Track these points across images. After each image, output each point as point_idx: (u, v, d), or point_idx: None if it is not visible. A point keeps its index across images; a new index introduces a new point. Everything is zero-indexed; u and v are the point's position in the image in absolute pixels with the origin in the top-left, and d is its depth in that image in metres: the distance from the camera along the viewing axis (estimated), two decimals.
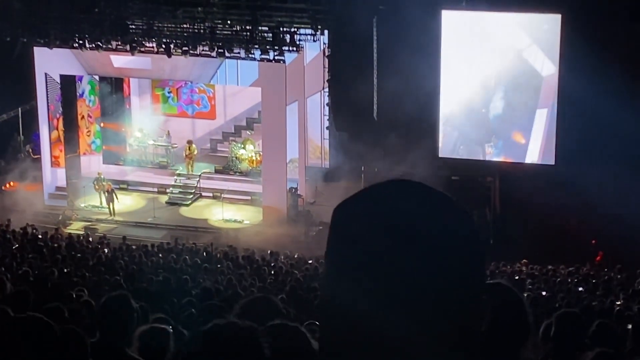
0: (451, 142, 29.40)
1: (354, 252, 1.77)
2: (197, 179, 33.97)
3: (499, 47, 28.44)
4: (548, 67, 28.22)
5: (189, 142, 34.90)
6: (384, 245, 1.73)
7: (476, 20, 28.70)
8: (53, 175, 33.87)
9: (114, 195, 32.18)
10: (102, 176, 33.23)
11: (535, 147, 28.82)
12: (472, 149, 29.32)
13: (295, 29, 29.63)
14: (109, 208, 32.24)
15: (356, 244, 1.77)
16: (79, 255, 22.34)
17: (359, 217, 1.81)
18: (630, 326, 11.68)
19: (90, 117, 35.80)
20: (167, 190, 33.62)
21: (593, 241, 26.83)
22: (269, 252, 25.98)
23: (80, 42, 30.76)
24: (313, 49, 32.18)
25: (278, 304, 5.50)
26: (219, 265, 22.22)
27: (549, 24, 27.92)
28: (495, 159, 29.29)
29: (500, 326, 3.53)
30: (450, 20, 28.69)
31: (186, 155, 34.62)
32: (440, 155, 29.02)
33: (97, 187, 32.88)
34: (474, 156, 29.28)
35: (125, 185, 34.32)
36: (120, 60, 32.51)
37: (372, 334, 1.73)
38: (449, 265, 1.74)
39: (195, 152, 34.75)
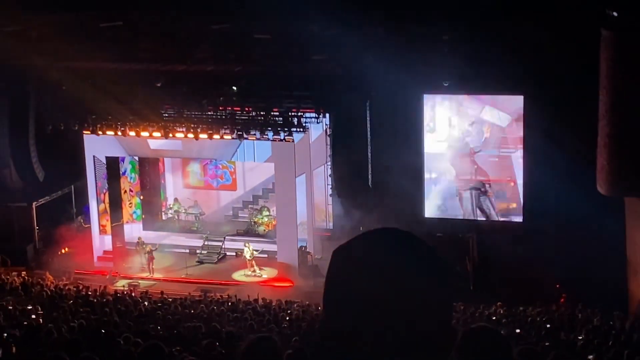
0: (435, 204, 29.42)
1: (347, 287, 1.82)
2: (222, 240, 33.94)
3: (472, 123, 28.59)
4: (514, 143, 28.35)
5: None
6: (372, 282, 1.78)
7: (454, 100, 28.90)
8: (101, 242, 33.87)
9: (152, 255, 32.16)
10: (142, 240, 33.27)
11: (506, 208, 28.86)
12: (453, 211, 29.32)
13: (302, 113, 29.88)
14: (149, 267, 32.19)
15: (348, 281, 1.82)
16: (123, 308, 22.27)
17: (352, 258, 1.87)
18: (591, 357, 11.66)
19: (132, 191, 35.92)
20: (197, 251, 33.58)
21: (557, 285, 26.74)
22: (284, 301, 25.87)
23: (122, 129, 31.02)
24: (317, 129, 32.32)
25: (277, 342, 5.50)
26: (241, 314, 22.13)
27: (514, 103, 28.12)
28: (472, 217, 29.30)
29: None
30: (431, 102, 28.88)
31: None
32: (425, 216, 29.04)
33: (138, 249, 32.94)
34: (454, 216, 29.28)
35: (161, 248, 34.29)
36: (156, 143, 32.71)
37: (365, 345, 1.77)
38: (426, 296, 1.78)
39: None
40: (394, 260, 1.84)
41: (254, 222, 35.26)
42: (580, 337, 17.44)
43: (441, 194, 29.46)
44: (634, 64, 22.68)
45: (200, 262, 33.00)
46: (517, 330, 19.64)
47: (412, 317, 1.79)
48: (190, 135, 30.44)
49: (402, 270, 1.82)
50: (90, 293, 26.14)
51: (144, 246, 32.79)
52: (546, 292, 26.43)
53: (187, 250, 33.31)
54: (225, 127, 30.33)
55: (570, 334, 18.25)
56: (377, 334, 1.79)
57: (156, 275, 31.94)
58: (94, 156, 32.85)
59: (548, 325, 20.71)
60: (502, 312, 24.15)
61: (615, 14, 22.51)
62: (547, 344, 16.54)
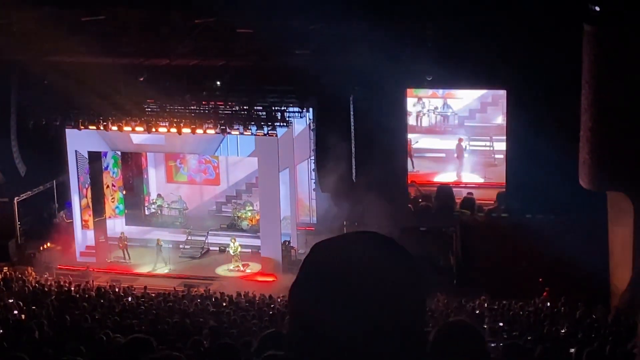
0: (418, 199, 29.50)
1: (320, 279, 1.83)
2: (206, 235, 33.88)
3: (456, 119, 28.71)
4: (497, 137, 28.48)
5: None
6: (344, 277, 1.79)
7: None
8: (83, 236, 33.71)
9: (126, 243, 32.79)
10: (124, 235, 33.21)
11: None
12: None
13: (285, 108, 29.86)
14: (125, 254, 32.52)
15: (321, 274, 1.83)
16: (106, 304, 22.20)
17: (329, 254, 1.88)
18: (572, 350, 11.70)
19: (114, 186, 35.76)
20: (180, 246, 33.49)
21: (540, 279, 26.83)
22: (267, 296, 25.86)
23: (105, 123, 30.89)
24: (300, 124, 32.29)
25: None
26: (225, 309, 22.11)
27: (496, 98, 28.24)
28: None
29: (463, 356, 3.52)
30: (414, 97, 28.97)
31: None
32: (409, 205, 29.09)
33: (120, 245, 32.91)
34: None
35: (144, 243, 34.23)
36: (138, 138, 32.56)
37: (331, 350, 1.78)
38: (395, 294, 1.79)
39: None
40: (370, 262, 1.85)
41: (238, 216, 35.19)
42: (563, 331, 17.52)
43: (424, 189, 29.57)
44: (616, 58, 22.82)
45: (184, 257, 32.87)
46: (500, 324, 19.72)
47: (381, 320, 1.81)
48: (173, 130, 30.34)
49: (377, 272, 1.84)
50: (73, 288, 26.04)
51: (125, 242, 32.84)
52: (529, 285, 26.52)
53: (170, 245, 33.19)
54: (209, 121, 30.25)
55: (553, 327, 18.32)
56: (344, 331, 1.80)
57: (138, 270, 31.86)
58: (76, 151, 32.67)
59: (531, 319, 20.80)
60: (485, 305, 24.23)
61: (597, 9, 22.61)
62: (529, 337, 16.61)
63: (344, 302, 1.78)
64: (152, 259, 32.43)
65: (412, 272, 1.87)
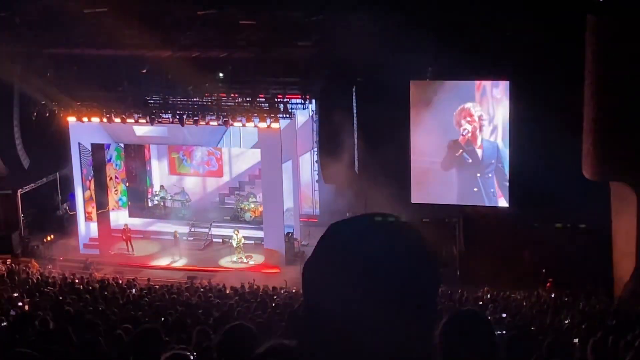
0: (421, 190, 29.45)
1: (334, 259, 1.82)
2: (209, 227, 33.89)
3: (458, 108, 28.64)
4: (500, 126, 28.39)
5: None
6: (359, 258, 1.78)
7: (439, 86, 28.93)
8: (87, 228, 33.76)
9: (130, 235, 32.76)
10: (128, 227, 33.23)
11: (492, 192, 28.91)
12: (439, 195, 29.38)
13: (288, 99, 29.81)
14: (128, 246, 32.66)
15: (335, 253, 1.83)
16: (110, 295, 22.20)
17: (345, 234, 1.87)
18: (576, 340, 11.69)
19: (117, 178, 35.79)
20: (184, 238, 33.51)
21: (543, 270, 26.83)
22: (271, 287, 25.87)
23: (108, 115, 30.88)
24: (303, 115, 32.31)
25: (253, 329, 5.48)
26: (228, 300, 22.10)
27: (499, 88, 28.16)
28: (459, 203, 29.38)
29: (472, 345, 3.51)
30: (417, 88, 28.90)
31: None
32: (412, 201, 29.06)
33: (124, 237, 32.92)
34: (440, 201, 29.33)
35: (148, 235, 34.28)
36: (141, 130, 32.58)
37: (343, 330, 1.77)
38: (409, 275, 1.78)
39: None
40: (382, 244, 1.84)
41: (241, 208, 35.21)
42: (566, 322, 17.51)
43: (427, 179, 29.51)
44: (619, 49, 22.77)
45: (187, 249, 32.86)
46: (504, 315, 19.70)
47: (395, 301, 1.80)
48: (176, 122, 30.32)
49: (389, 255, 1.83)
50: (76, 280, 26.06)
51: (129, 234, 32.89)
52: (532, 276, 26.53)
53: (174, 237, 33.20)
54: (211, 113, 30.23)
55: (556, 318, 18.31)
56: (357, 313, 1.79)
57: (142, 262, 31.89)
58: (79, 143, 32.67)
59: (534, 310, 20.79)
60: (488, 296, 24.23)
61: None
62: (532, 328, 16.60)
63: (358, 281, 1.77)
64: (160, 251, 32.53)
65: (428, 256, 1.87)
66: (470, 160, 28.97)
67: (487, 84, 28.33)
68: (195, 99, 30.68)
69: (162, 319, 16.52)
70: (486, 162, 28.83)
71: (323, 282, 1.85)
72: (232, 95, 30.59)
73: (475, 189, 29.07)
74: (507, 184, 28.49)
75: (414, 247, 1.85)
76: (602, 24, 22.97)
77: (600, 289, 24.41)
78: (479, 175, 28.98)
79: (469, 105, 28.53)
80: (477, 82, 28.39)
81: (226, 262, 31.81)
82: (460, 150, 28.99)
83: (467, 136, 28.74)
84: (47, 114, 32.06)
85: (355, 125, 29.82)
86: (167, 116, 30.54)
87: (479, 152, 28.86)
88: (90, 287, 24.33)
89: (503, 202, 28.74)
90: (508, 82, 27.80)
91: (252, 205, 34.88)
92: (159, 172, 37.51)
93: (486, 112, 28.43)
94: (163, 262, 32.06)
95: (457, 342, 3.33)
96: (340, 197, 29.83)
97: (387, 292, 1.76)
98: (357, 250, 1.81)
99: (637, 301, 21.02)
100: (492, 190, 28.87)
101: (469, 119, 28.60)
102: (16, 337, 10.81)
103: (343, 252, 1.83)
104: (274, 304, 21.40)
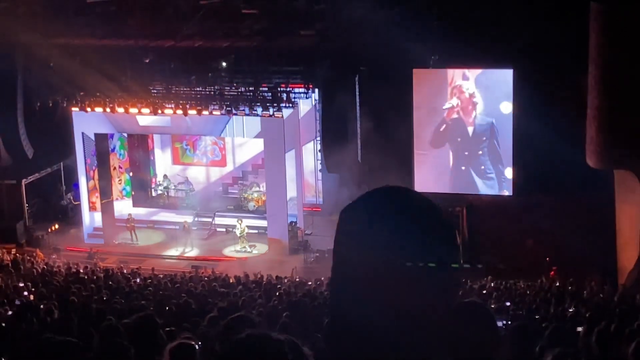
0: (425, 179, 29.42)
1: (354, 244, 1.83)
2: (213, 216, 33.91)
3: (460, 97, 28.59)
4: (504, 112, 28.32)
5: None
6: (378, 239, 1.78)
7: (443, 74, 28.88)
8: (91, 218, 33.82)
9: (133, 224, 32.95)
10: (131, 217, 33.30)
11: (495, 181, 28.87)
12: (442, 184, 29.35)
13: (291, 89, 29.78)
14: (132, 235, 32.85)
15: (355, 239, 1.83)
16: (114, 285, 22.24)
17: (360, 216, 1.87)
18: (580, 329, 11.68)
19: (121, 167, 35.82)
20: (193, 228, 33.46)
21: (547, 259, 26.82)
22: (275, 276, 25.89)
23: (111, 105, 30.88)
24: (306, 104, 32.29)
25: (254, 320, 5.49)
26: (232, 290, 22.12)
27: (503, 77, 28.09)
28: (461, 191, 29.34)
29: (475, 337, 3.50)
30: (420, 76, 28.84)
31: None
32: (415, 190, 29.00)
33: (127, 226, 32.99)
34: (443, 190, 29.30)
35: (152, 225, 34.33)
36: (145, 120, 32.60)
37: (370, 312, 1.78)
38: (433, 255, 1.79)
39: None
40: (399, 216, 1.86)
41: (244, 198, 35.21)
42: (570, 310, 17.51)
43: (431, 168, 29.50)
44: (623, 36, 22.70)
45: (191, 238, 32.86)
46: (507, 304, 19.71)
47: (420, 276, 1.82)
48: (179, 112, 30.32)
49: (409, 228, 1.85)
50: (81, 270, 26.11)
51: (133, 224, 32.96)
52: (536, 265, 26.53)
53: (177, 227, 33.24)
54: (214, 103, 30.22)
55: (560, 306, 18.32)
56: (387, 290, 1.81)
57: (146, 252, 31.94)
58: (82, 133, 32.70)
59: (538, 298, 20.80)
60: (492, 285, 24.23)
61: None
62: (537, 317, 16.61)
63: (383, 262, 1.79)
64: (170, 241, 32.61)
65: (445, 223, 1.89)
66: (459, 139, 28.90)
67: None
68: (198, 89, 30.66)
69: (167, 307, 16.56)
70: (477, 138, 28.72)
71: (350, 271, 1.86)
72: (235, 84, 30.56)
73: (462, 167, 29.03)
74: (511, 172, 28.40)
75: (433, 218, 1.87)
76: (606, 11, 22.90)
77: (604, 277, 24.40)
78: (467, 153, 28.93)
79: (460, 82, 28.44)
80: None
81: (230, 251, 31.85)
82: (444, 125, 28.86)
83: (456, 110, 28.60)
84: (51, 104, 32.05)
85: (358, 114, 29.78)
86: (170, 106, 30.55)
87: (470, 129, 28.73)
88: (95, 277, 24.39)
89: (507, 191, 28.65)
90: (512, 70, 27.73)
91: (256, 195, 34.88)
92: (162, 161, 37.51)
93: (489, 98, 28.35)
94: (173, 252, 32.06)
95: (459, 334, 3.31)
96: (343, 186, 29.82)
97: (412, 264, 1.78)
98: (376, 230, 1.82)
99: None
100: (482, 167, 28.77)
101: (458, 94, 28.54)
102: (21, 326, 10.84)
103: (361, 236, 1.84)
104: (278, 293, 21.43)
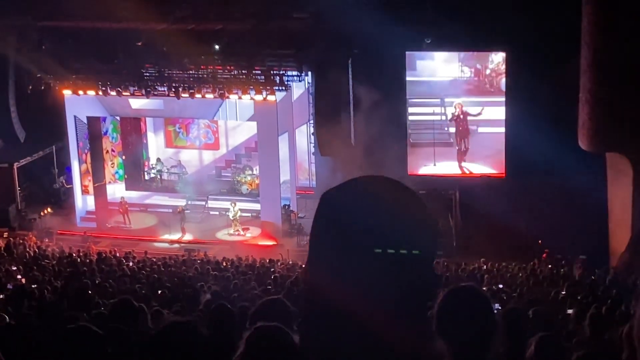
0: (417, 162, 29.46)
1: (333, 228, 1.82)
2: (206, 200, 33.91)
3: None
4: (496, 95, 28.35)
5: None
6: (358, 225, 1.78)
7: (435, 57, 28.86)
8: (83, 202, 33.79)
9: (126, 207, 33.10)
10: (124, 200, 33.29)
11: (488, 162, 28.92)
12: (435, 167, 29.38)
13: (284, 72, 29.71)
14: (126, 219, 32.80)
15: (335, 223, 1.83)
16: (107, 268, 22.23)
17: (340, 202, 1.87)
18: (570, 311, 11.74)
19: (114, 151, 35.77)
20: (187, 211, 33.43)
21: (539, 241, 26.88)
22: (267, 260, 25.92)
23: (103, 88, 30.80)
24: (299, 87, 32.25)
25: (233, 312, 5.51)
26: (225, 273, 22.13)
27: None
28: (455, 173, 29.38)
29: (471, 323, 3.46)
30: (413, 59, 28.81)
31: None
32: (408, 173, 29.05)
33: (120, 210, 32.98)
34: (436, 172, 29.33)
35: (145, 208, 34.32)
36: (137, 103, 32.53)
37: (344, 297, 1.77)
38: (411, 241, 1.78)
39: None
40: (380, 206, 1.85)
41: (237, 181, 35.22)
42: (562, 293, 17.56)
43: (423, 151, 29.52)
44: (614, 20, 22.68)
45: (184, 222, 32.85)
46: (500, 286, 19.76)
47: (395, 259, 1.81)
48: (172, 95, 30.24)
49: (387, 215, 1.84)
50: (73, 254, 26.09)
51: (126, 206, 32.97)
52: (528, 248, 26.59)
53: (170, 210, 33.24)
54: (207, 86, 30.14)
55: (552, 289, 18.36)
56: (359, 272, 1.81)
57: (138, 234, 31.95)
58: (75, 116, 32.61)
59: (530, 281, 20.85)
60: (485, 268, 24.29)
61: None
62: (529, 299, 16.64)
63: (357, 249, 1.78)
64: (156, 224, 32.62)
65: (423, 211, 1.88)
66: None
67: None
68: (191, 72, 30.57)
69: (159, 291, 16.57)
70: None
71: (325, 254, 1.86)
72: (228, 67, 30.46)
73: (455, 149, 29.15)
74: (504, 155, 28.43)
75: (412, 206, 1.86)
76: None
77: (597, 259, 24.45)
78: (459, 136, 29.09)
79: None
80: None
81: (223, 234, 31.87)
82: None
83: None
84: (43, 87, 31.92)
85: (351, 97, 29.73)
86: (162, 89, 30.47)
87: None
88: (88, 260, 24.38)
89: (500, 174, 28.67)
90: (504, 53, 27.72)
91: (249, 178, 34.89)
92: (155, 145, 37.46)
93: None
94: (166, 236, 32.01)
95: (454, 320, 3.28)
96: (336, 169, 29.80)
97: (388, 248, 1.77)
98: (354, 217, 1.82)
99: (632, 271, 21.08)
100: (475, 148, 28.96)
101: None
102: (11, 310, 10.84)
103: (339, 221, 1.84)
104: (272, 277, 21.46)
